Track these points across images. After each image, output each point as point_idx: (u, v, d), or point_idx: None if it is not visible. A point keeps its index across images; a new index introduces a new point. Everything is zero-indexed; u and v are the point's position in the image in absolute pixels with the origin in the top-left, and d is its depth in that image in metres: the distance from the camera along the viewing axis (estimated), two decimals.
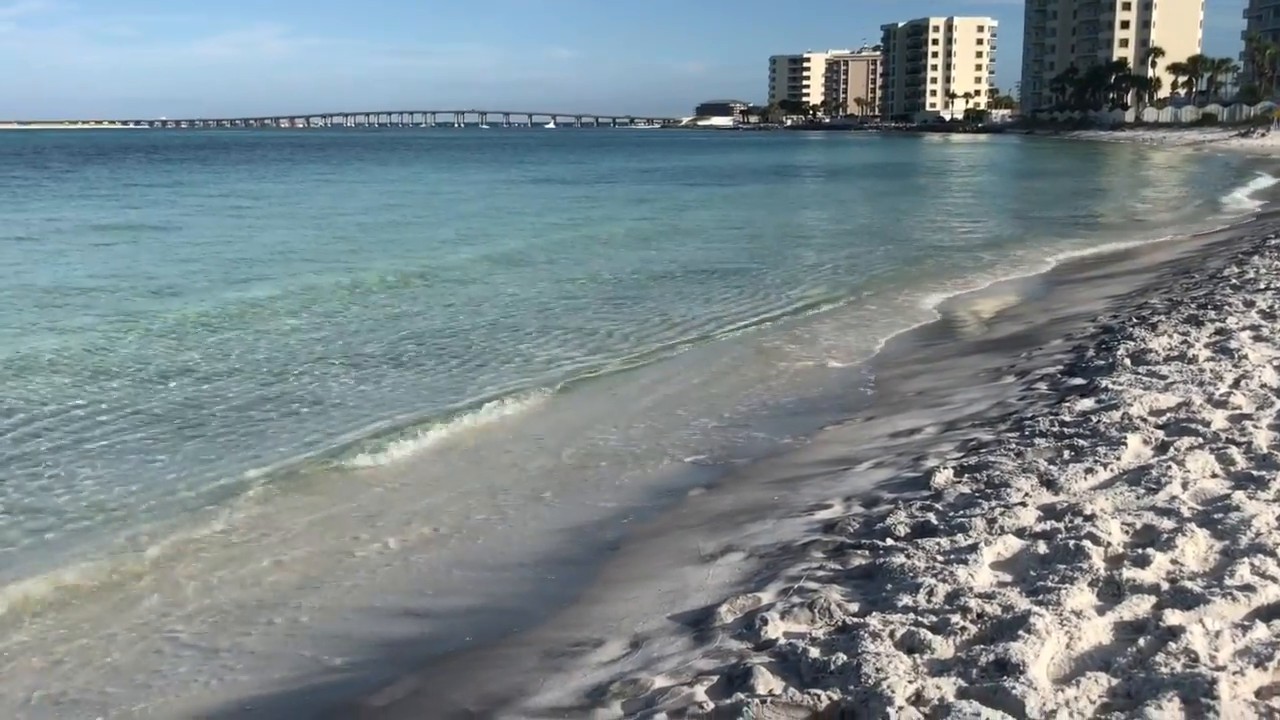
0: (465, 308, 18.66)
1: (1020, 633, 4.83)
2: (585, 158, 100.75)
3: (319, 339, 15.82)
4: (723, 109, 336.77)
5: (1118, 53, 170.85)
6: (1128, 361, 10.99)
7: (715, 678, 5.12)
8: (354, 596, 7.39)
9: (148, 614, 7.09)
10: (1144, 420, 8.49)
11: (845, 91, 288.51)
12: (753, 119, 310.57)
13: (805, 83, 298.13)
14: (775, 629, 5.52)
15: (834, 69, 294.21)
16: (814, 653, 5.03)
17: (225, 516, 8.76)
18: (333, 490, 9.43)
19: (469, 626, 6.86)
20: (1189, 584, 5.25)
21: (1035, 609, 5.07)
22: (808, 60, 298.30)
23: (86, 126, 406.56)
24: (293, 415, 11.65)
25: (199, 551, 8.09)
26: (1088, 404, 9.35)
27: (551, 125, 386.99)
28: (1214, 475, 7.11)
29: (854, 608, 5.64)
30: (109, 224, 34.89)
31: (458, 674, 6.16)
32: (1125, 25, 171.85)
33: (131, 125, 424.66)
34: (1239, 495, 6.52)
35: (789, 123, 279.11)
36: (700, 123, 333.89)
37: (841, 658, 4.89)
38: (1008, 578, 5.77)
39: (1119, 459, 7.56)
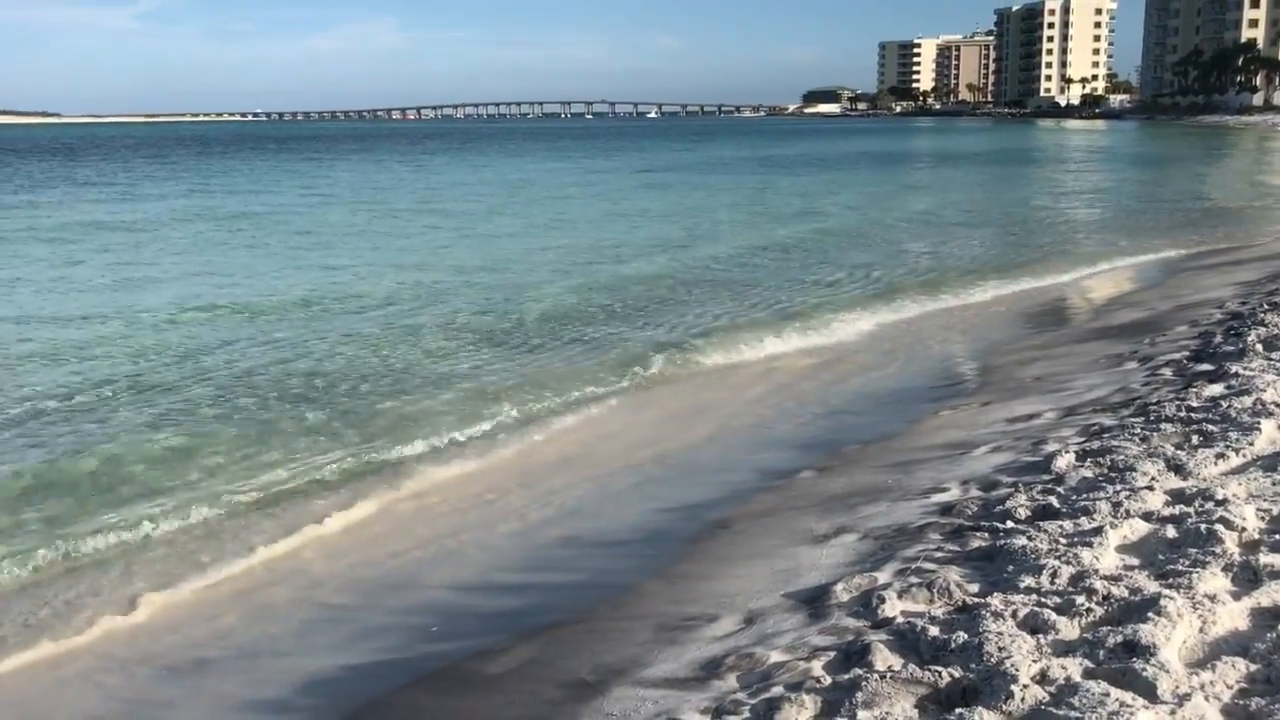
0: (598, 289, 18.77)
1: (1150, 615, 4.68)
2: (695, 146, 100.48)
3: (462, 320, 16.09)
4: (830, 96, 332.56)
5: (1246, 33, 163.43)
6: (1259, 347, 10.57)
7: (832, 654, 5.09)
8: (472, 572, 7.54)
9: (303, 583, 7.37)
10: (1279, 406, 8.16)
11: (956, 77, 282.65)
12: (861, 106, 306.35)
13: (915, 69, 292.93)
14: (893, 608, 5.46)
15: (945, 54, 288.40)
16: (933, 631, 4.96)
17: (379, 494, 9.02)
18: (457, 474, 9.61)
19: (582, 600, 6.94)
20: None
21: (1166, 592, 4.91)
22: (918, 46, 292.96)
23: (207, 119, 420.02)
24: (427, 395, 11.88)
25: (348, 528, 8.39)
26: (1217, 389, 9.02)
27: (654, 115, 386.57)
28: None
29: (974, 588, 5.54)
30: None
31: (572, 645, 6.23)
32: (1255, 4, 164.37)
33: (250, 118, 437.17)
34: None
35: (898, 109, 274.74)
36: (807, 110, 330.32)
37: (962, 636, 4.82)
38: (1135, 561, 5.60)
39: (1252, 445, 7.27)
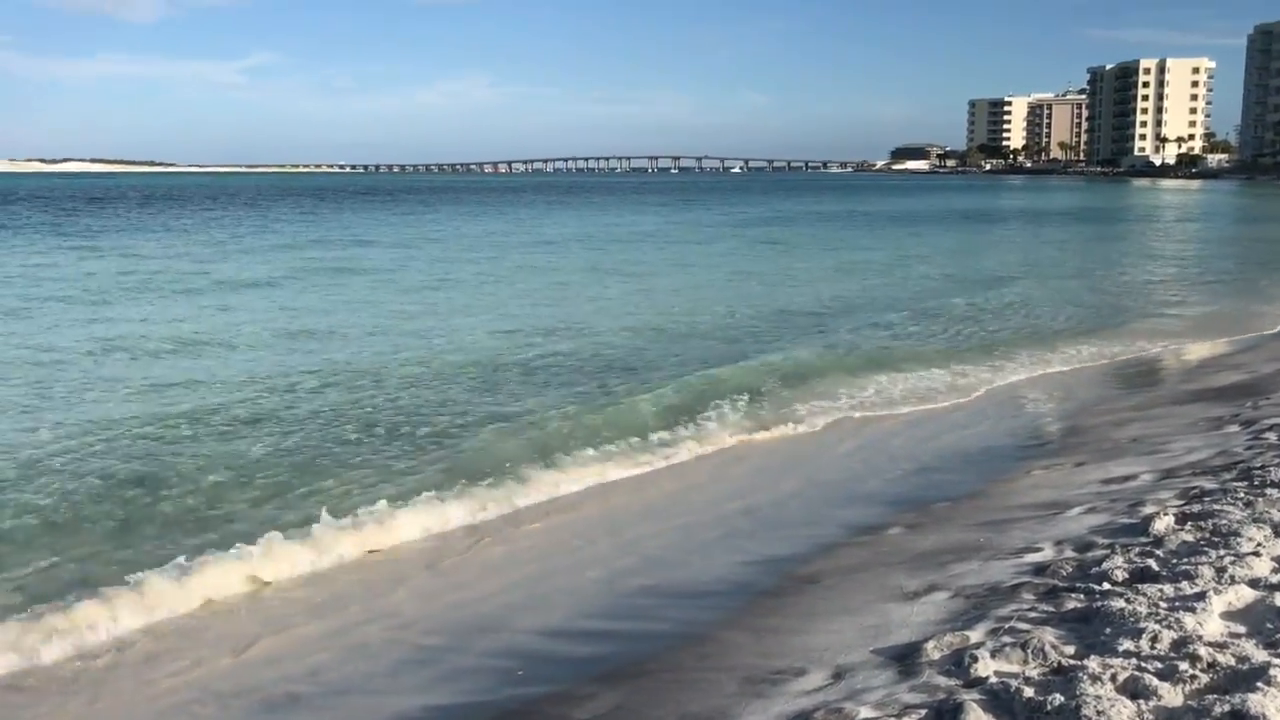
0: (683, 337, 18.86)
1: (1259, 684, 4.55)
2: (783, 199, 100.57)
3: (536, 367, 16.28)
4: (919, 153, 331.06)
5: None
6: None
7: (923, 711, 5.02)
8: (558, 617, 7.58)
9: (395, 624, 7.48)
10: None
11: (1048, 135, 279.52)
12: (950, 163, 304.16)
13: (1005, 126, 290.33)
14: (985, 667, 5.37)
15: (1036, 112, 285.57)
16: (1028, 692, 4.87)
17: (468, 538, 9.15)
18: (544, 519, 9.70)
19: (667, 649, 6.93)
20: None
21: (1276, 661, 4.76)
22: (1008, 104, 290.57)
23: (307, 170, 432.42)
24: (514, 439, 12.02)
25: (439, 570, 8.51)
26: None
27: (738, 170, 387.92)
28: None
29: (1070, 650, 5.43)
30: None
31: (657, 693, 6.22)
32: None
33: (348, 169, 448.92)
34: None
35: (988, 167, 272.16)
36: (895, 166, 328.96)
37: (1059, 698, 4.72)
38: (1241, 628, 5.44)
39: None
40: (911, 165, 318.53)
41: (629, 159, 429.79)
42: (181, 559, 8.33)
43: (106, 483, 10.37)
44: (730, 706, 5.78)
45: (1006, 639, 5.68)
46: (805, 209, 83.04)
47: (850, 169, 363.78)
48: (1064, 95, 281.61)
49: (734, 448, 12.10)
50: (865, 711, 5.20)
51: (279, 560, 8.39)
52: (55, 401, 13.84)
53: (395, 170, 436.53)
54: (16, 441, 11.78)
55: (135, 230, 53.48)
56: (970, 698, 4.96)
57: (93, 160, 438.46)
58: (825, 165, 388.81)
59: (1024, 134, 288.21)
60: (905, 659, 5.90)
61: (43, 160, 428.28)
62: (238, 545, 8.56)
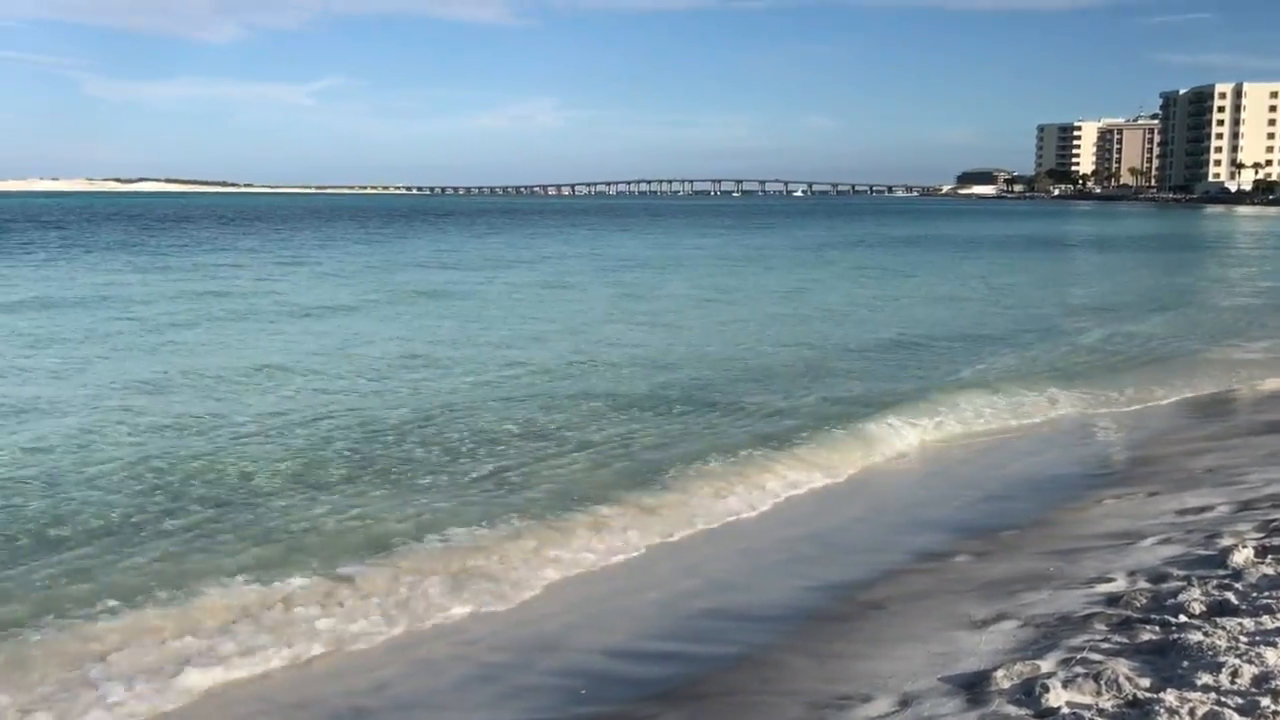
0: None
1: None
2: (847, 224, 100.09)
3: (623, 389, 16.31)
4: (985, 177, 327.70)
5: None
6: None
7: None
8: (621, 638, 7.56)
9: (460, 640, 7.52)
10: None
11: (1118, 161, 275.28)
12: (1017, 188, 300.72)
13: (1075, 151, 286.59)
14: (1057, 697, 5.28)
15: (1106, 138, 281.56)
16: None
17: (530, 557, 9.17)
18: (608, 540, 9.67)
19: (729, 673, 6.89)
20: None
21: None
22: (1078, 129, 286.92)
23: (374, 191, 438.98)
24: (584, 460, 12.01)
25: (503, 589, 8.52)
26: None
27: (800, 194, 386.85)
28: None
29: (1145, 682, 5.31)
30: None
31: (720, 716, 6.20)
32: None
33: (413, 191, 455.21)
34: None
35: (1056, 192, 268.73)
36: (961, 191, 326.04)
37: None
38: None
39: None
40: (978, 190, 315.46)
41: (691, 182, 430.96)
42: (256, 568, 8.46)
43: (213, 495, 10.56)
44: None
45: (1079, 669, 5.57)
46: (876, 232, 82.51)
47: (915, 193, 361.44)
48: (1135, 120, 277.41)
49: (800, 473, 11.96)
50: None
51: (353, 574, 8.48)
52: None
53: (460, 193, 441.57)
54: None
55: (245, 251, 54.49)
56: None
57: (167, 180, 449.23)
58: (890, 189, 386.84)
59: (1093, 159, 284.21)
60: (974, 687, 5.81)
61: (119, 180, 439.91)
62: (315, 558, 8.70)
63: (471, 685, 6.87)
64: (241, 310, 26.91)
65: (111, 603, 7.83)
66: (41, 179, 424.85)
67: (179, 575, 8.44)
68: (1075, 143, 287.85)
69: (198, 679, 6.82)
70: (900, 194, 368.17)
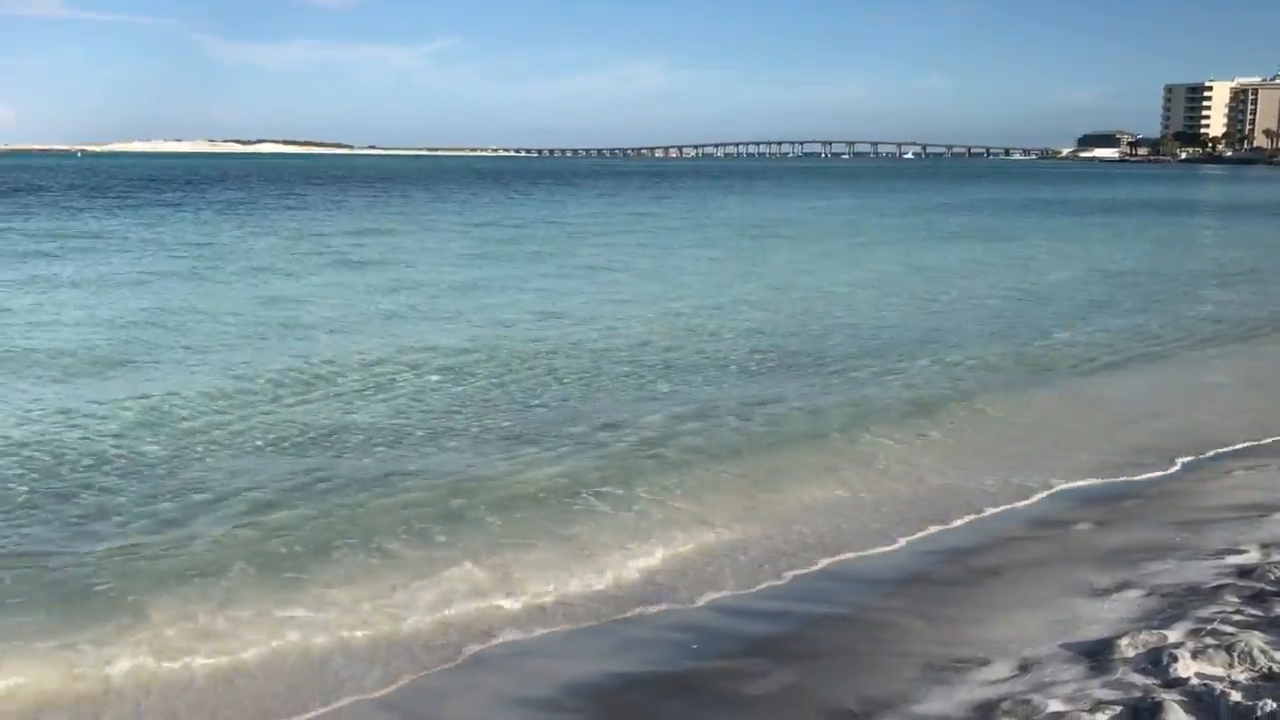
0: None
1: None
2: (968, 186, 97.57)
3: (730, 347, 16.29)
4: (1108, 140, 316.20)
5: None
6: None
7: (1118, 708, 4.83)
8: (732, 595, 7.55)
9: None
10: None
11: (1251, 123, 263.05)
12: (1141, 151, 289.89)
13: (1204, 113, 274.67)
14: (1186, 668, 5.13)
15: (1239, 98, 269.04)
16: (1236, 696, 4.63)
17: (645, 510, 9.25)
18: (704, 493, 9.68)
19: (842, 633, 6.85)
20: None
21: None
22: (1208, 89, 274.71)
23: (483, 154, 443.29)
24: (704, 418, 12.07)
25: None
26: None
27: (910, 155, 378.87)
28: None
29: None
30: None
31: (833, 675, 6.16)
32: None
33: (522, 153, 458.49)
34: None
35: (1183, 156, 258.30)
36: (1082, 154, 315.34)
37: (1270, 705, 4.47)
38: None
39: None
40: (1100, 153, 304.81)
41: (801, 143, 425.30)
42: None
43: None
44: (910, 691, 5.68)
45: (1210, 640, 5.41)
46: (1001, 197, 79.79)
47: (1034, 156, 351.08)
48: (1272, 80, 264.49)
49: (920, 439, 11.77)
50: (1055, 705, 5.04)
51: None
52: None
53: (567, 155, 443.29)
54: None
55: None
56: (1170, 698, 4.75)
57: (285, 142, 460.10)
58: (1007, 152, 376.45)
59: (1225, 121, 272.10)
60: (1097, 655, 5.69)
61: (239, 141, 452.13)
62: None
63: (581, 637, 6.93)
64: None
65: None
66: (165, 140, 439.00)
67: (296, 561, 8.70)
68: (1205, 104, 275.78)
69: None
70: (1018, 157, 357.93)
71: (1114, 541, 8.16)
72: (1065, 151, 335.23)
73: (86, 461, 10.19)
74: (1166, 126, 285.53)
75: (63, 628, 6.83)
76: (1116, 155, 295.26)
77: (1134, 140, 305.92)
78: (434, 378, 14.04)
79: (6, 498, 9.19)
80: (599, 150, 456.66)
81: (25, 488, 9.45)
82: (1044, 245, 37.20)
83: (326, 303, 20.87)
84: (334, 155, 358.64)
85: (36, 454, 10.41)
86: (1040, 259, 32.22)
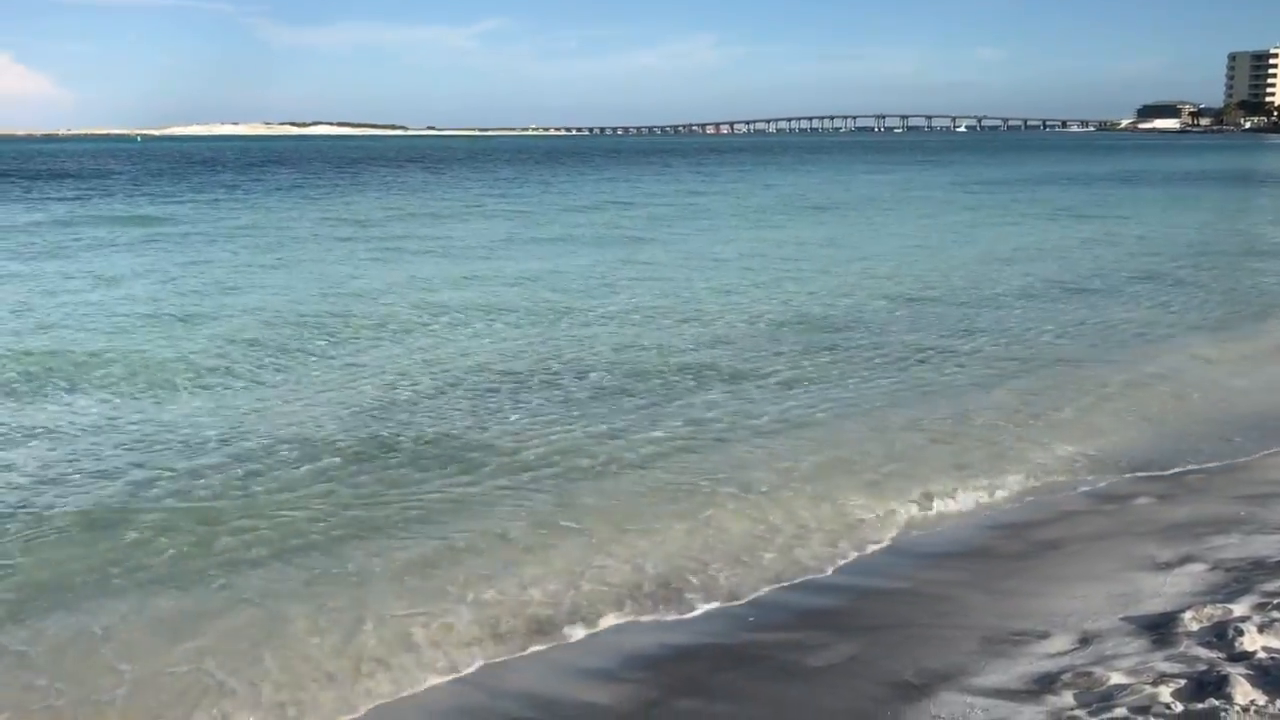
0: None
1: None
2: (1029, 159, 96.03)
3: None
4: (1168, 111, 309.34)
5: None
6: None
7: (1182, 681, 4.80)
8: (789, 569, 7.55)
9: (627, 553, 7.69)
10: None
11: None
12: (1203, 121, 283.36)
13: (1270, 81, 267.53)
14: (1252, 641, 5.09)
15: None
16: None
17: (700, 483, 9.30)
18: (757, 470, 9.68)
19: (901, 606, 6.85)
20: None
21: None
22: (1274, 56, 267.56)
23: (535, 133, 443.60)
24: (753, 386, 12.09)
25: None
26: None
27: (963, 129, 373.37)
28: None
29: None
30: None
31: (892, 647, 6.17)
32: None
33: (574, 132, 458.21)
34: None
35: (1247, 125, 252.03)
36: (1141, 125, 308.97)
37: None
38: None
39: None
40: (1160, 124, 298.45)
41: (854, 118, 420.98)
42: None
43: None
44: (970, 664, 5.69)
45: (1276, 615, 5.35)
46: (1071, 170, 78.03)
47: (1092, 128, 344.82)
48: None
49: None
50: (1117, 677, 5.02)
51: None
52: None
53: (618, 133, 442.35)
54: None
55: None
56: (1236, 671, 4.71)
57: (339, 124, 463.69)
58: (1064, 124, 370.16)
59: None
60: (1159, 628, 5.65)
61: (294, 124, 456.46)
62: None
63: (643, 603, 6.97)
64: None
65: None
66: (222, 124, 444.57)
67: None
68: (1271, 71, 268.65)
69: None
70: (1075, 129, 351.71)
71: (1177, 516, 8.07)
72: (1124, 123, 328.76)
73: None
74: (1230, 95, 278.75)
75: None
76: (1178, 126, 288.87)
77: (1195, 110, 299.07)
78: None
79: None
80: (649, 128, 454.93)
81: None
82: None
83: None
84: (389, 137, 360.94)
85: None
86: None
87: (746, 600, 7.04)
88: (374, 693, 5.95)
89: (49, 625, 6.72)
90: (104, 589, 7.19)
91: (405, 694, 5.95)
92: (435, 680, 6.08)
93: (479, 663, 6.26)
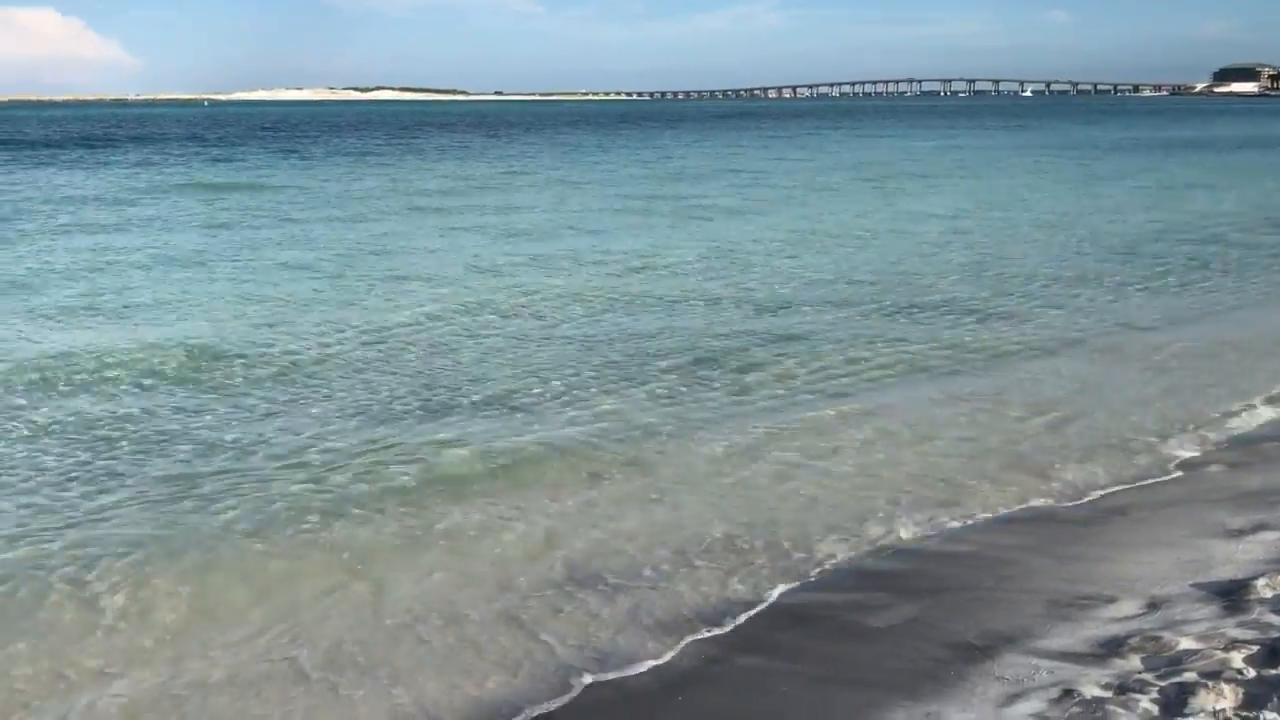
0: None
1: None
2: (1111, 124, 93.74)
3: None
4: (1247, 74, 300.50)
5: None
6: None
7: (1255, 648, 4.72)
8: (851, 529, 7.51)
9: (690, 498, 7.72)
10: None
11: None
12: None
13: None
14: None
15: None
16: None
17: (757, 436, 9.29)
18: (826, 430, 9.63)
19: (964, 569, 6.79)
20: None
21: None
22: None
23: (598, 98, 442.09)
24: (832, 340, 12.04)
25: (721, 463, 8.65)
26: None
27: (1029, 94, 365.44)
28: None
29: None
30: None
31: (956, 609, 6.13)
32: None
33: (636, 96, 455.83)
34: None
35: None
36: (1217, 89, 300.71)
37: None
38: None
39: None
40: (1237, 88, 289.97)
41: (919, 82, 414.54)
42: None
43: None
44: (1035, 627, 5.63)
45: None
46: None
47: (1165, 92, 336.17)
48: None
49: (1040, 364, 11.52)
50: (1186, 642, 4.95)
51: None
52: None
53: (680, 97, 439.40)
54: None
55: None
56: None
57: (401, 89, 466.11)
58: (1136, 89, 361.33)
59: None
60: (1230, 595, 5.56)
61: (357, 89, 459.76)
62: None
63: (702, 556, 6.98)
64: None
65: None
66: (286, 89, 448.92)
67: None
68: None
69: None
70: (1148, 93, 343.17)
71: (1250, 484, 7.91)
72: (1200, 86, 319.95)
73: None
74: None
75: None
76: (1256, 90, 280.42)
77: (1275, 73, 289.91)
78: None
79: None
80: (712, 92, 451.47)
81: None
82: None
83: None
84: (451, 101, 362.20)
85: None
86: None
87: (805, 561, 7.01)
88: None
89: None
90: None
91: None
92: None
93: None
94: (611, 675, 5.63)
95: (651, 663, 5.75)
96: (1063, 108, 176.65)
